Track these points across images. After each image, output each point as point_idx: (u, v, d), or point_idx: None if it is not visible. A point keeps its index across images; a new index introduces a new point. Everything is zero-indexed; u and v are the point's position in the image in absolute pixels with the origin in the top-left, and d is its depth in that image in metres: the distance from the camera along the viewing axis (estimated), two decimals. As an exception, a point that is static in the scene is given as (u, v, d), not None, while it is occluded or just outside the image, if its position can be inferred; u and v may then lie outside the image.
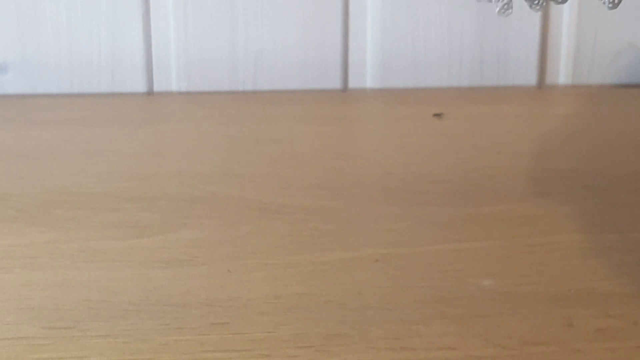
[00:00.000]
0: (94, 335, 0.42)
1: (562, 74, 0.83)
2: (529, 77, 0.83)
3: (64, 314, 0.44)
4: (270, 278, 0.48)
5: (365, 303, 0.45)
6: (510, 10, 0.39)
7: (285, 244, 0.51)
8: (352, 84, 0.82)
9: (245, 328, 0.43)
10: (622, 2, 0.38)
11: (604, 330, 0.43)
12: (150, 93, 0.81)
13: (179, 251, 0.51)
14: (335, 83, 0.82)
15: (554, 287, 0.47)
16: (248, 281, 0.47)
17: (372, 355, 0.41)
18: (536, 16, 0.82)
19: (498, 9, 0.39)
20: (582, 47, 0.83)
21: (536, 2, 0.39)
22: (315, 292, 0.46)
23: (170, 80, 0.81)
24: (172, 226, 0.54)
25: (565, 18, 0.82)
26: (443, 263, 0.49)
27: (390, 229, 0.53)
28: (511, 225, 0.54)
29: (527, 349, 0.41)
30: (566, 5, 0.81)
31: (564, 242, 0.52)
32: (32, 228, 0.53)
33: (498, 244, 0.51)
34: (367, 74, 0.82)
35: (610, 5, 0.37)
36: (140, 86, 0.81)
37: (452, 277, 0.48)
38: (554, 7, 0.82)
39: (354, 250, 0.51)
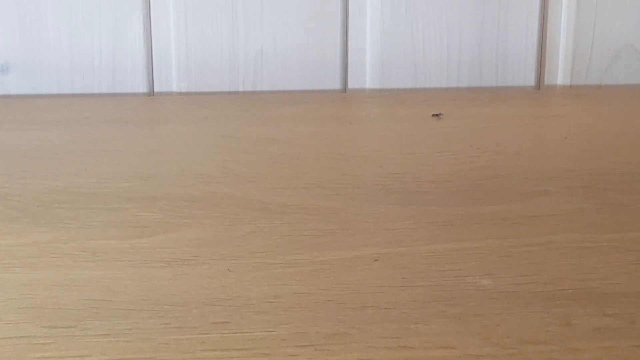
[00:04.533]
0: (95, 335, 0.42)
1: (560, 75, 0.83)
2: (528, 78, 0.83)
3: (65, 313, 0.44)
4: (270, 277, 0.48)
5: (365, 302, 0.45)
6: None
7: (285, 243, 0.52)
8: (352, 84, 0.82)
9: (246, 327, 0.43)
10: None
11: (601, 330, 0.43)
12: (150, 94, 0.81)
13: (179, 251, 0.51)
14: (335, 84, 0.82)
15: (552, 286, 0.47)
16: (248, 281, 0.47)
17: (371, 354, 0.41)
18: (535, 18, 0.82)
19: None
20: (580, 48, 0.83)
21: None
22: (314, 292, 0.46)
23: (170, 81, 0.81)
24: (172, 226, 0.54)
25: (563, 19, 0.82)
26: (442, 262, 0.49)
27: (390, 228, 0.54)
28: (509, 225, 0.54)
29: (525, 347, 0.42)
30: (564, 6, 0.82)
31: (562, 241, 0.52)
32: (34, 228, 0.54)
33: (497, 244, 0.52)
34: (367, 75, 0.82)
35: None
36: (140, 87, 0.81)
37: (451, 276, 0.48)
38: (552, 9, 0.82)
39: (354, 250, 0.51)
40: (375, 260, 0.50)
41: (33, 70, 0.80)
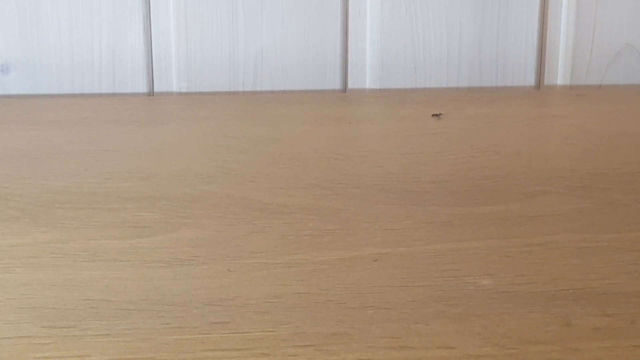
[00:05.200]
0: (95, 335, 0.42)
1: (560, 74, 0.83)
2: (528, 78, 0.83)
3: (65, 313, 0.44)
4: (270, 277, 0.48)
5: (365, 302, 0.45)
6: None
7: (285, 243, 0.52)
8: (352, 84, 0.82)
9: (245, 327, 0.43)
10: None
11: (601, 329, 0.43)
12: (150, 94, 0.81)
13: (179, 251, 0.51)
14: (335, 84, 0.82)
15: (552, 286, 0.47)
16: (248, 281, 0.47)
17: (371, 354, 0.41)
18: (535, 18, 0.82)
19: None
20: (580, 48, 0.83)
21: None
22: (314, 292, 0.46)
23: (170, 81, 0.81)
24: (172, 226, 0.54)
25: (563, 19, 0.82)
26: (442, 262, 0.49)
27: (390, 228, 0.54)
28: (509, 225, 0.54)
29: (525, 347, 0.42)
30: (564, 6, 0.82)
31: (562, 241, 0.52)
32: (34, 228, 0.54)
33: (496, 244, 0.52)
34: (367, 75, 0.82)
35: None
36: (140, 87, 0.81)
37: (451, 276, 0.48)
38: (552, 8, 0.82)
39: (354, 250, 0.51)
40: (375, 260, 0.50)
41: (33, 70, 0.80)
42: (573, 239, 0.52)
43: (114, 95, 0.81)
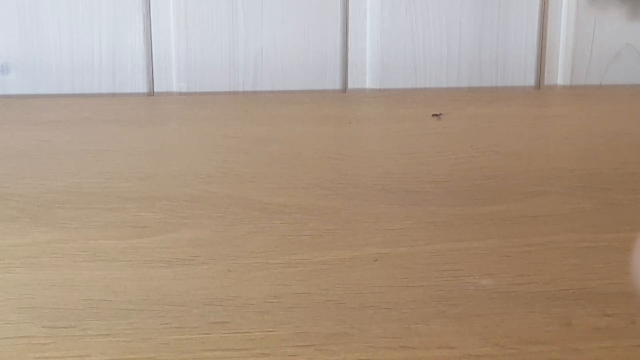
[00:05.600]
0: (95, 335, 0.42)
1: (560, 75, 0.83)
2: (528, 78, 0.83)
3: (65, 313, 0.44)
4: (270, 277, 0.48)
5: (365, 302, 0.45)
6: None
7: (285, 243, 0.52)
8: (352, 84, 0.82)
9: (245, 327, 0.43)
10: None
11: (601, 329, 0.43)
12: (150, 94, 0.81)
13: (179, 251, 0.51)
14: (335, 84, 0.82)
15: (552, 286, 0.47)
16: (248, 281, 0.47)
17: (371, 354, 0.41)
18: (535, 18, 0.82)
19: None
20: (580, 48, 0.83)
21: None
22: (314, 292, 0.46)
23: (170, 81, 0.81)
24: (172, 226, 0.54)
25: (563, 19, 0.82)
26: (442, 262, 0.49)
27: (390, 228, 0.54)
28: (509, 225, 0.54)
29: (525, 347, 0.42)
30: (564, 6, 0.82)
31: (562, 241, 0.52)
32: (34, 228, 0.54)
33: (496, 244, 0.52)
34: (367, 75, 0.82)
35: None
36: (140, 87, 0.81)
37: (451, 276, 0.48)
38: (552, 8, 0.82)
39: (354, 250, 0.51)
40: (375, 260, 0.50)
41: (33, 70, 0.80)
42: (573, 239, 0.52)
43: (114, 95, 0.81)
